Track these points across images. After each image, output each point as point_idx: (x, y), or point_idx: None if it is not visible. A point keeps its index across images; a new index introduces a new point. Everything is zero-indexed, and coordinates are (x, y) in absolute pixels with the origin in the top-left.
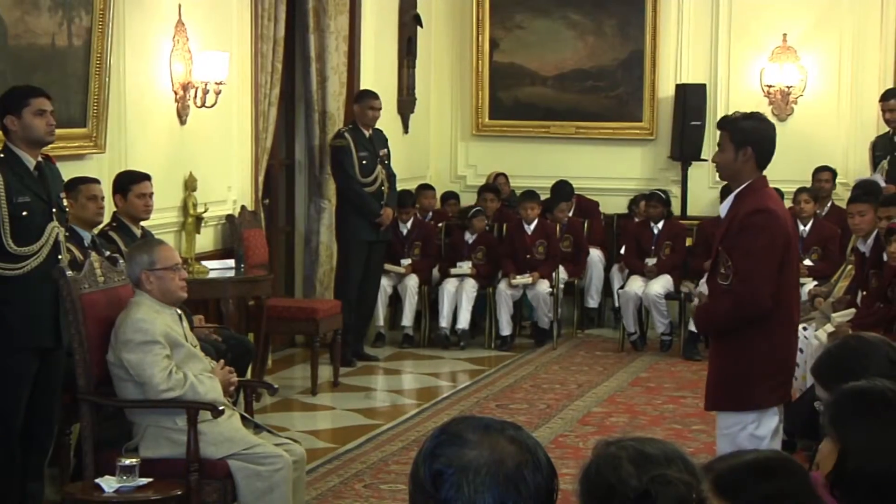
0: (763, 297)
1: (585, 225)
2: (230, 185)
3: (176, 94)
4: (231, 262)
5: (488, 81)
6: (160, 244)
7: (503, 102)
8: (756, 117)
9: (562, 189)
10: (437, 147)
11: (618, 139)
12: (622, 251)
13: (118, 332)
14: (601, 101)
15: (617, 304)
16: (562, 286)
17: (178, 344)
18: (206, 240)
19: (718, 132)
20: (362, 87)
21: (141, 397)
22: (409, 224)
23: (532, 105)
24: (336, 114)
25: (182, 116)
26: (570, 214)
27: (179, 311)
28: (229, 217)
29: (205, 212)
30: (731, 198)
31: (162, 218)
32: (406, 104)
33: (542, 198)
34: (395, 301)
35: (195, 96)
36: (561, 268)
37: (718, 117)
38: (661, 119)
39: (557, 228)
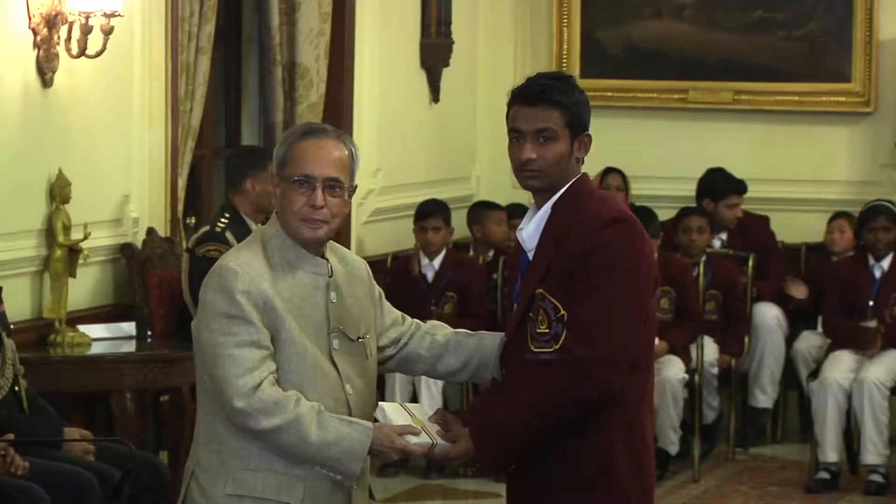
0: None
1: (750, 262)
2: (128, 194)
3: (35, 32)
4: (128, 328)
5: (580, 12)
6: (313, 134)
7: (605, 48)
8: None
9: (723, 181)
10: (490, 126)
11: (808, 113)
12: (818, 308)
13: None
14: (778, 45)
15: (812, 403)
16: (713, 371)
17: (287, 335)
18: (85, 288)
19: None
20: (359, 17)
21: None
22: (438, 260)
23: (657, 53)
24: (312, 68)
25: (45, 73)
26: (723, 242)
27: (330, 272)
28: (126, 249)
29: (84, 239)
30: None
31: (8, 251)
32: (435, 52)
33: (665, 217)
34: (415, 396)
35: (68, 37)
36: (707, 339)
37: None
38: (887, 78)
39: (700, 268)
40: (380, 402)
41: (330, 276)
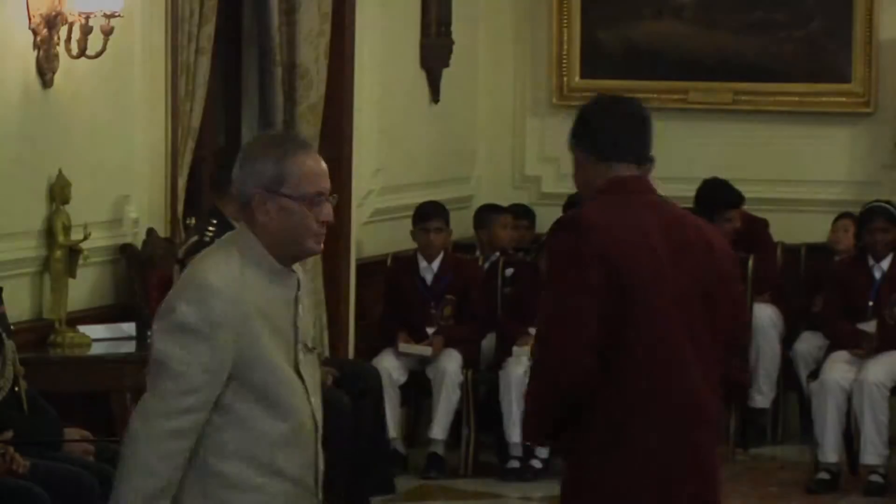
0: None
1: (750, 263)
2: (128, 194)
3: (35, 32)
4: (128, 328)
5: (579, 12)
6: (303, 149)
7: (605, 48)
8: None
9: (718, 193)
10: (490, 126)
11: (808, 113)
12: (815, 308)
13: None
14: (778, 45)
15: (811, 404)
16: None
17: (262, 356)
18: (84, 288)
19: None
20: (359, 18)
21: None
22: (437, 262)
23: (656, 53)
24: (312, 69)
25: (45, 73)
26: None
27: (299, 276)
28: (126, 250)
29: (84, 239)
30: None
31: (9, 251)
32: (435, 52)
33: None
34: (417, 397)
35: (68, 38)
36: None
37: None
38: (887, 79)
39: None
40: None
41: (298, 290)
